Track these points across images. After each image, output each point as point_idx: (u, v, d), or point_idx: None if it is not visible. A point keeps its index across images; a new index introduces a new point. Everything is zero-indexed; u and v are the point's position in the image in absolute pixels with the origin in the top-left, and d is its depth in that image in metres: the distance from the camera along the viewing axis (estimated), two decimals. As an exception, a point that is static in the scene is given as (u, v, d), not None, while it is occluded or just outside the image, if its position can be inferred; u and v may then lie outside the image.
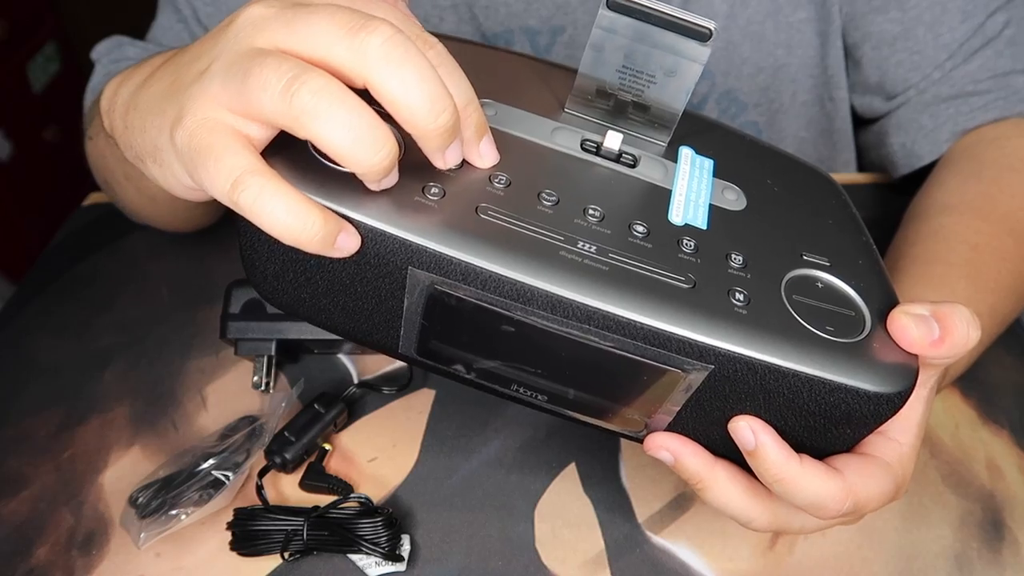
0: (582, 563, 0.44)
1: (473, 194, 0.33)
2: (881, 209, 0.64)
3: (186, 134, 0.30)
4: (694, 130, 0.41)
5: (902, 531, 0.45)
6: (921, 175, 0.61)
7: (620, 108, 0.39)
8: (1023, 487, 0.47)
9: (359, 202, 0.31)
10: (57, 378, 0.55)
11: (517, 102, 0.39)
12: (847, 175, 0.72)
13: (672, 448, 0.36)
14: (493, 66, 0.42)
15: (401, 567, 0.43)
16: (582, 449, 0.49)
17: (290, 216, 0.29)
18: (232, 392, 0.53)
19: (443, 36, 0.40)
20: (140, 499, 0.45)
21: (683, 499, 0.47)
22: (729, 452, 0.36)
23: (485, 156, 0.34)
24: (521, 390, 0.36)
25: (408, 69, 0.28)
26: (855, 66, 0.67)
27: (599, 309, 0.31)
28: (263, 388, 0.51)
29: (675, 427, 0.36)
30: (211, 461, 0.46)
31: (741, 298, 0.32)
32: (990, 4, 0.60)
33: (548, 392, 0.36)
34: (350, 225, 0.31)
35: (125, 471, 0.49)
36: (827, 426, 0.33)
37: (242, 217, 0.32)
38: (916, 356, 0.33)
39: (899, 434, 0.36)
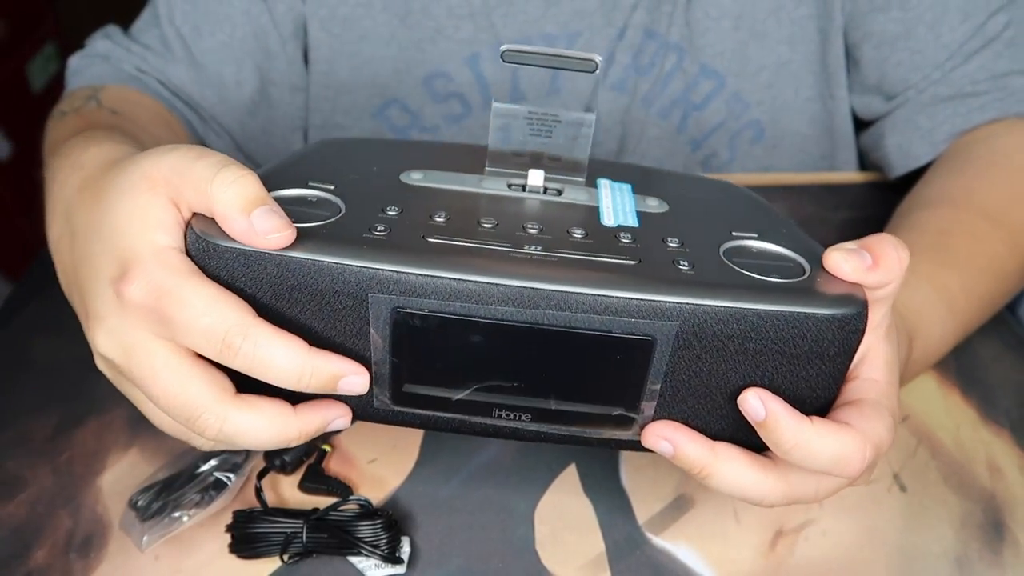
0: (582, 565, 0.44)
1: (418, 227, 0.35)
2: (880, 208, 0.64)
3: (117, 354, 0.36)
4: (607, 170, 0.44)
5: (903, 532, 0.45)
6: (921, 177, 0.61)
7: (536, 160, 0.42)
8: (1024, 488, 0.47)
9: (314, 246, 0.33)
10: (54, 378, 0.55)
11: (443, 167, 0.42)
12: (847, 174, 0.72)
13: (669, 436, 0.36)
14: (418, 149, 0.47)
15: (401, 569, 0.43)
16: (582, 450, 0.49)
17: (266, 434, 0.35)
18: (231, 393, 0.53)
19: (363, 139, 0.49)
20: (140, 502, 0.45)
21: (684, 500, 0.47)
22: (725, 435, 0.36)
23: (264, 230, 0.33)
24: (504, 413, 0.37)
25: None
26: (855, 66, 0.67)
27: (556, 290, 0.32)
28: (262, 389, 0.51)
29: (664, 413, 0.36)
30: (211, 463, 0.46)
31: (686, 264, 0.35)
32: (991, 4, 0.60)
33: (531, 409, 0.36)
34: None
35: (123, 473, 0.49)
36: (802, 366, 0.34)
37: None
38: (860, 286, 0.35)
39: (872, 372, 0.38)
